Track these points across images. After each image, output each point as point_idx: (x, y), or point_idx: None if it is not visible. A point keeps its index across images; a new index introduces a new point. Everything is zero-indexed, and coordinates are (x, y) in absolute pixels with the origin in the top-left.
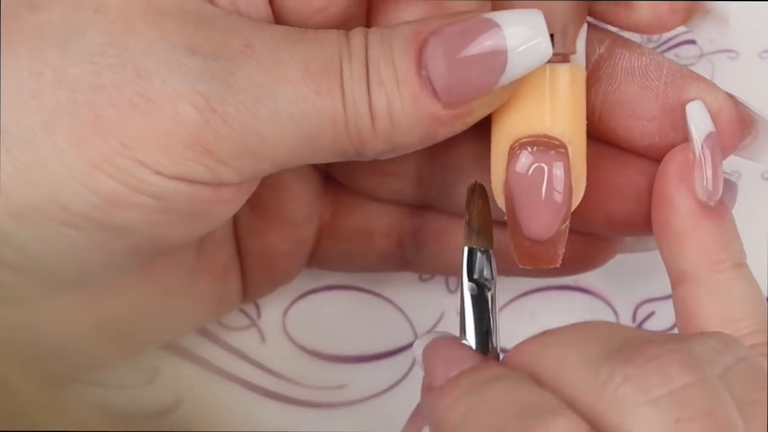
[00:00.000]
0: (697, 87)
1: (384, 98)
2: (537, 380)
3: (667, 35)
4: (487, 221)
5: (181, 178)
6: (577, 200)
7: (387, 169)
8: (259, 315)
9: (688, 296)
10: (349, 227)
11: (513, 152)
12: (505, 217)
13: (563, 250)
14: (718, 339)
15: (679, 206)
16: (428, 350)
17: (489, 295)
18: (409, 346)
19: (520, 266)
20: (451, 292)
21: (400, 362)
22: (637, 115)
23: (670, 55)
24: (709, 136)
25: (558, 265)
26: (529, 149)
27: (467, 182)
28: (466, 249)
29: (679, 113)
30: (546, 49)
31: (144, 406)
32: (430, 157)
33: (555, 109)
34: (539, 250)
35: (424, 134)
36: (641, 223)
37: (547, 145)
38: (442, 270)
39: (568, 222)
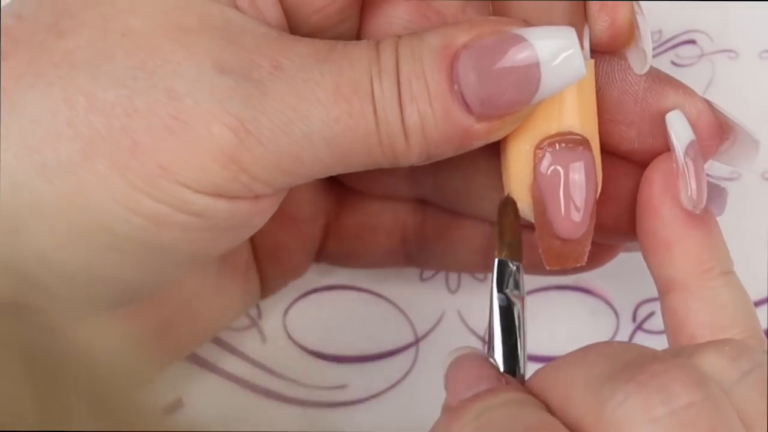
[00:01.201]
0: (676, 94)
1: (416, 114)
2: (548, 405)
3: (667, 35)
4: (518, 235)
5: (220, 195)
6: (596, 195)
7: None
8: (259, 315)
9: (677, 305)
10: (354, 225)
11: (539, 152)
12: (532, 220)
13: (589, 248)
14: (733, 346)
15: (665, 216)
16: (451, 368)
17: (516, 310)
18: (409, 346)
19: (548, 267)
20: (452, 291)
21: (400, 362)
22: (617, 120)
23: (670, 55)
24: (690, 145)
25: (584, 263)
26: (557, 148)
27: (457, 179)
28: (496, 261)
29: (658, 119)
30: (580, 64)
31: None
32: None
33: (577, 105)
34: (568, 249)
35: (458, 146)
36: (630, 230)
37: (574, 142)
38: (445, 266)
39: (594, 219)
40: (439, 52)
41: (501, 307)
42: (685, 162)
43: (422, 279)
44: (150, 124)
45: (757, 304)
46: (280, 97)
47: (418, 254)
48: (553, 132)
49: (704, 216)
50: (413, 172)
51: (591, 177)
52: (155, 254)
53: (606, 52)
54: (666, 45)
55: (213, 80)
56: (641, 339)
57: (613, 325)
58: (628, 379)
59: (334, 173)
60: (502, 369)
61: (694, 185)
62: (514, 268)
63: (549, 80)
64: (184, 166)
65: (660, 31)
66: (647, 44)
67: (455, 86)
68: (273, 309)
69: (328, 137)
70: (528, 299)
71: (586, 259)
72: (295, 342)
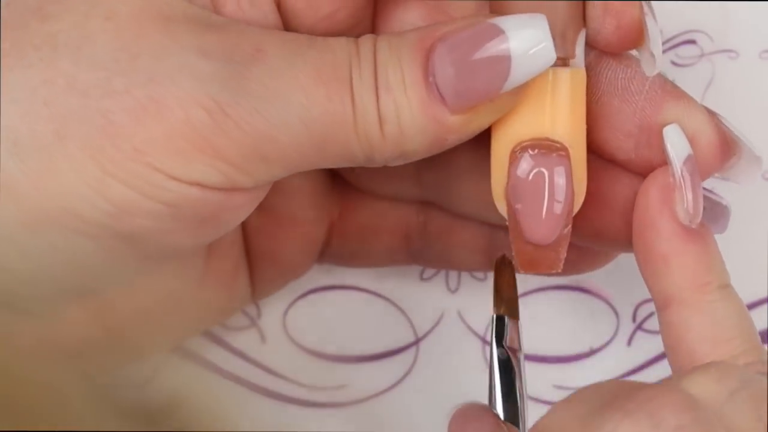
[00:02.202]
0: (677, 105)
1: (392, 103)
2: None
3: (667, 35)
4: (514, 292)
5: (194, 182)
6: (578, 205)
7: (388, 168)
8: (259, 315)
9: (675, 319)
10: (357, 225)
11: (514, 156)
12: (507, 222)
13: (565, 255)
14: (719, 367)
15: (662, 230)
16: (454, 419)
17: (515, 365)
18: (409, 346)
19: (522, 272)
20: (452, 291)
21: (400, 362)
22: (615, 129)
23: (670, 54)
24: (687, 159)
25: (559, 270)
26: (531, 152)
27: (465, 182)
28: (494, 317)
29: (656, 131)
30: (550, 53)
31: (144, 406)
32: (429, 157)
33: (556, 112)
34: (541, 255)
35: (432, 140)
36: (624, 239)
37: (548, 149)
38: (448, 265)
39: (569, 226)
40: (415, 44)
41: (500, 361)
42: (682, 176)
43: (422, 279)
44: (127, 105)
45: (757, 304)
46: (260, 79)
47: (421, 253)
48: (529, 137)
49: (701, 230)
50: (419, 173)
51: (565, 184)
52: (122, 243)
53: (614, 54)
54: (666, 45)
55: (195, 63)
56: (641, 339)
57: (613, 325)
58: (617, 408)
59: (312, 166)
60: (503, 418)
61: (690, 199)
62: (511, 324)
63: (518, 69)
64: (159, 148)
65: (660, 31)
66: (656, 46)
67: (431, 78)
68: (273, 309)
69: (306, 120)
70: (528, 299)
71: (560, 267)
72: (295, 342)
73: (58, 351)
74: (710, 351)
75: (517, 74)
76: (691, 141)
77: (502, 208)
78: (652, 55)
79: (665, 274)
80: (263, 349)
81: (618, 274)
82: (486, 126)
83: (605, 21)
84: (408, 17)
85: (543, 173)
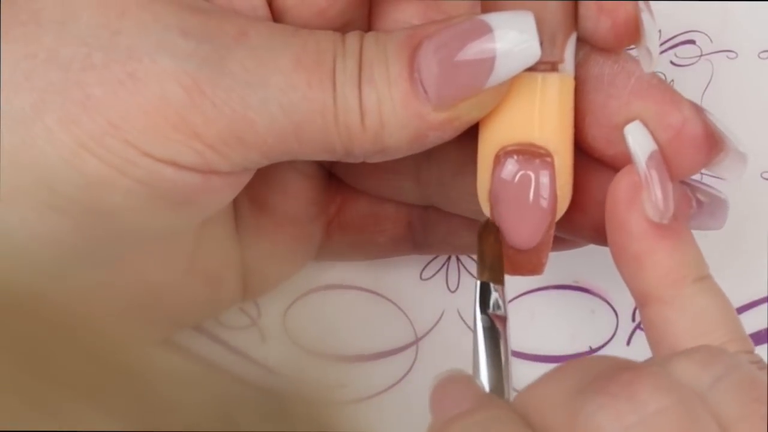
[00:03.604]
0: (663, 99)
1: (374, 96)
2: (529, 422)
3: (666, 35)
4: (499, 258)
5: (169, 161)
6: (562, 210)
7: (386, 166)
8: (259, 314)
9: (655, 317)
10: (358, 217)
11: (498, 160)
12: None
13: (547, 259)
14: (704, 352)
15: (631, 229)
16: (436, 390)
17: (501, 332)
18: (409, 345)
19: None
20: (452, 291)
21: (400, 362)
22: (602, 124)
23: (669, 54)
24: (652, 156)
25: (541, 274)
26: (515, 157)
27: (464, 182)
28: (479, 283)
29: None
30: (534, 51)
31: None
32: (429, 155)
33: (542, 118)
34: (523, 259)
35: (413, 136)
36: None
37: (532, 154)
38: (451, 250)
39: (552, 231)
40: (402, 40)
41: (485, 328)
42: (648, 173)
43: (422, 279)
44: (105, 79)
45: (757, 303)
46: (240, 61)
47: (423, 240)
48: (514, 141)
49: (673, 225)
50: (420, 171)
51: (548, 190)
52: (95, 220)
53: (611, 52)
54: (665, 45)
55: (175, 41)
56: (641, 338)
57: (612, 324)
58: (599, 390)
59: (291, 154)
60: (487, 388)
61: (659, 195)
62: (496, 291)
63: (502, 65)
64: (135, 124)
65: (659, 31)
66: (653, 43)
67: (416, 74)
68: (273, 309)
69: (285, 105)
70: (527, 299)
71: (542, 271)
72: (295, 342)
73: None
74: (691, 345)
75: (501, 70)
76: (677, 135)
77: (487, 211)
78: (649, 51)
79: (640, 273)
80: (264, 349)
81: (617, 273)
82: (467, 125)
83: (600, 20)
84: (403, 16)
85: (526, 178)
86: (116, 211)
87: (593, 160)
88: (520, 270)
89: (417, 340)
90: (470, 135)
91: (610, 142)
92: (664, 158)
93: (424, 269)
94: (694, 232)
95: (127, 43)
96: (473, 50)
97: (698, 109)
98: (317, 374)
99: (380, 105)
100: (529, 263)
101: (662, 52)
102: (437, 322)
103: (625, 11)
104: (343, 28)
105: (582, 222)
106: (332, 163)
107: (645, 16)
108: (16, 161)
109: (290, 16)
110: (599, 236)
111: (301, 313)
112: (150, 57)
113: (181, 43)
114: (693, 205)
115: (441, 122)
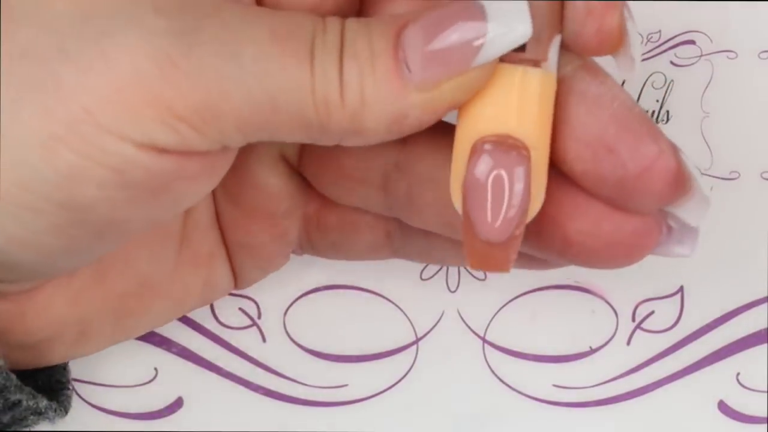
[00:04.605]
0: (640, 129)
1: (356, 69)
2: None
3: (666, 35)
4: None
5: (144, 144)
6: (534, 211)
7: (353, 174)
8: (259, 315)
9: None
10: (337, 219)
11: (474, 150)
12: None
13: (515, 257)
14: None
15: None
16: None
17: None
18: (409, 345)
19: (471, 268)
20: (452, 291)
21: (401, 362)
22: (577, 137)
23: (669, 55)
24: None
25: (508, 272)
26: (491, 147)
27: (432, 197)
28: None
29: (614, 146)
30: (523, 32)
31: (144, 406)
32: (397, 165)
33: (521, 111)
34: (491, 254)
35: (393, 117)
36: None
37: (509, 146)
38: (430, 261)
39: (522, 228)
40: (387, 21)
41: None
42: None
43: (422, 279)
44: (77, 64)
45: (757, 303)
46: (213, 33)
47: (402, 248)
48: (491, 132)
49: None
50: (387, 182)
51: (522, 184)
52: (70, 217)
53: (588, 55)
54: (665, 45)
55: (147, 18)
56: (641, 338)
57: (612, 324)
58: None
59: (267, 131)
60: None
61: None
62: None
63: (488, 47)
64: (107, 105)
65: (659, 31)
66: (635, 50)
67: (400, 52)
68: (273, 309)
69: (258, 74)
70: (527, 299)
71: (509, 269)
72: (295, 341)
73: (30, 334)
74: None
75: (489, 49)
76: (650, 166)
77: (457, 203)
78: (632, 59)
79: None
80: (264, 349)
81: (618, 273)
82: (448, 109)
83: (586, 23)
84: (396, 11)
85: (501, 170)
86: (92, 204)
87: (561, 174)
88: (487, 265)
89: (417, 340)
90: (440, 148)
91: (579, 158)
92: (631, 188)
93: (424, 269)
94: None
95: (99, 26)
96: (462, 29)
97: (674, 147)
98: (317, 374)
99: (361, 79)
100: (497, 259)
101: (662, 52)
102: (437, 322)
103: (612, 16)
104: None
105: (549, 233)
106: (301, 166)
107: (629, 23)
108: None
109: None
110: (565, 250)
111: (302, 313)
112: (122, 35)
113: (153, 19)
114: (663, 231)
115: (423, 102)
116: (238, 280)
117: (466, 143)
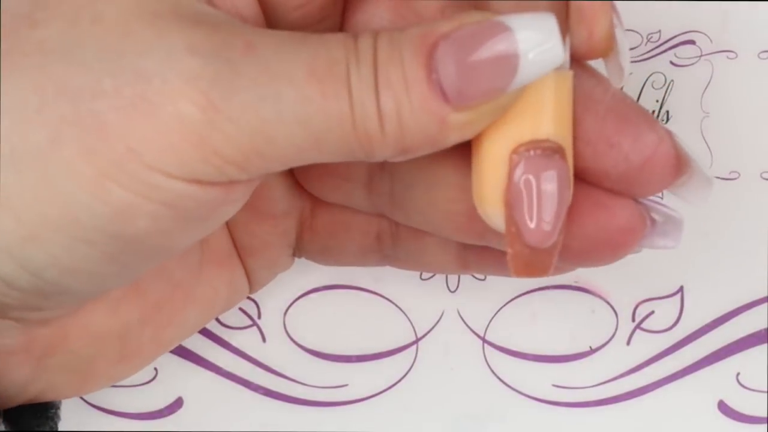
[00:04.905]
0: (637, 119)
1: (392, 101)
2: None
3: (666, 35)
4: None
5: (191, 180)
6: (568, 205)
7: (338, 170)
8: (259, 314)
9: None
10: (328, 223)
11: (515, 158)
12: (502, 228)
13: (556, 259)
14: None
15: None
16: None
17: None
18: (409, 345)
19: (515, 276)
20: (452, 291)
21: (401, 362)
22: (575, 137)
23: (669, 55)
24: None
25: (550, 275)
26: (533, 153)
27: (417, 196)
28: None
29: (615, 140)
30: (558, 53)
31: (144, 406)
32: (382, 165)
33: (556, 113)
34: (537, 259)
35: (434, 139)
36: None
37: (549, 150)
38: (420, 267)
39: (563, 230)
40: (418, 41)
41: None
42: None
43: (422, 279)
44: (117, 105)
45: (757, 303)
46: (251, 75)
47: (393, 254)
48: (529, 138)
49: None
50: (372, 180)
51: (564, 186)
52: (123, 246)
53: (577, 60)
54: (665, 45)
55: (183, 59)
56: (641, 338)
57: (612, 324)
58: None
59: (312, 161)
60: None
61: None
62: None
63: (527, 68)
64: (153, 147)
65: (659, 31)
66: (624, 58)
67: (433, 75)
68: (273, 309)
69: (301, 117)
70: (527, 299)
71: (551, 271)
72: (295, 341)
73: (73, 353)
74: None
75: (525, 73)
76: (652, 155)
77: (498, 213)
78: (621, 67)
79: None
80: (264, 349)
81: (618, 273)
82: (487, 124)
83: (579, 29)
84: (376, 11)
85: (545, 176)
86: (143, 235)
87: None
88: (532, 271)
89: (417, 340)
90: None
91: (578, 156)
92: (633, 178)
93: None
94: (693, 233)
95: (133, 65)
96: (494, 50)
97: (669, 131)
98: (317, 374)
99: (398, 109)
100: (542, 263)
101: (662, 53)
102: (437, 322)
103: (602, 24)
104: (318, 23)
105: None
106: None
107: (618, 31)
108: (38, 198)
109: (273, 12)
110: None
111: (302, 313)
112: (159, 77)
113: (188, 60)
114: (647, 223)
115: (461, 124)
116: (252, 282)
117: (499, 152)
